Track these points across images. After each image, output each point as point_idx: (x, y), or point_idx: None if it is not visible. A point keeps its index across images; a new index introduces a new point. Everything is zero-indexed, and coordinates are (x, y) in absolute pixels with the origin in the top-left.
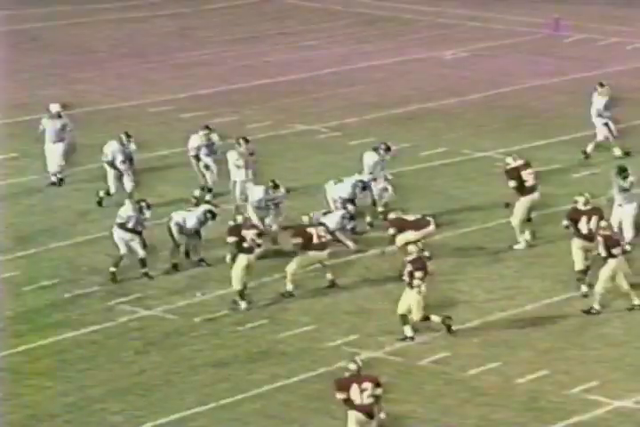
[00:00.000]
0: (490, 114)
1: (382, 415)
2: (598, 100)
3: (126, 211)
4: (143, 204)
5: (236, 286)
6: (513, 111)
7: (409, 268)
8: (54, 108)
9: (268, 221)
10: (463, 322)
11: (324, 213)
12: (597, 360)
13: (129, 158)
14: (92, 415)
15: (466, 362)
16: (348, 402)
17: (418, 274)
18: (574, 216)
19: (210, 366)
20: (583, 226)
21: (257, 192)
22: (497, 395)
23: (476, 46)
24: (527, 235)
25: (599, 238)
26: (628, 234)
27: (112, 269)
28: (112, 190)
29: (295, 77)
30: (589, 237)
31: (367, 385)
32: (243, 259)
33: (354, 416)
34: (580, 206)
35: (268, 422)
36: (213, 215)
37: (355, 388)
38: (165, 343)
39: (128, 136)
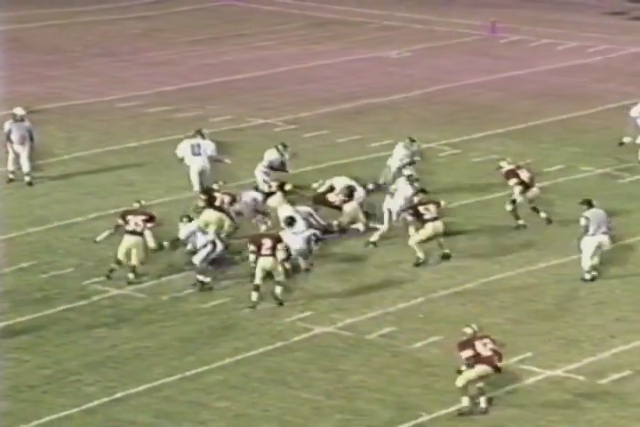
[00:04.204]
0: (432, 108)
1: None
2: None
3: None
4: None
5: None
6: (453, 106)
7: None
8: (19, 111)
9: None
10: (409, 299)
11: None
12: (530, 333)
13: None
14: (68, 386)
15: (411, 336)
16: (476, 357)
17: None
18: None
19: (176, 340)
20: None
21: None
22: (439, 366)
23: (419, 47)
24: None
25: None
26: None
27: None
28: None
29: (252, 75)
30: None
31: (486, 340)
32: (126, 240)
33: (480, 370)
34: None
35: (230, 392)
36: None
37: (478, 343)
38: (135, 320)
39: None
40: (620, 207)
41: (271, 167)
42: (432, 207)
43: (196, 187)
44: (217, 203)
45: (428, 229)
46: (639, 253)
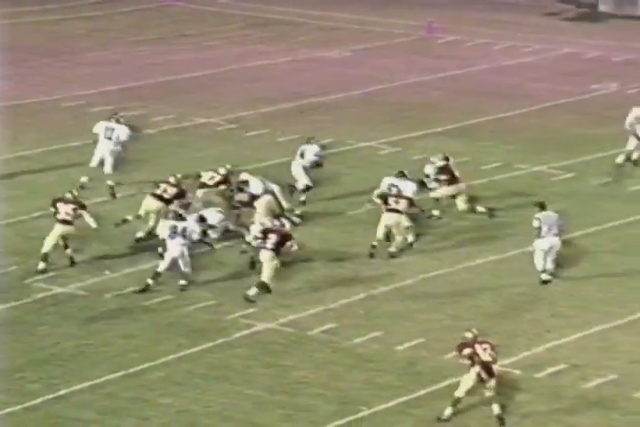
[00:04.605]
0: (372, 108)
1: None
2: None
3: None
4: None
5: (44, 249)
6: (392, 105)
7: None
8: None
9: None
10: (350, 296)
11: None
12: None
13: None
14: (13, 384)
15: (352, 332)
16: (475, 357)
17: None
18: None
19: (119, 337)
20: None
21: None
22: (379, 361)
23: (359, 47)
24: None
25: None
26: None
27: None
28: None
29: (196, 75)
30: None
31: (486, 345)
32: (57, 228)
33: (474, 374)
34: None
35: (173, 389)
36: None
37: (478, 346)
38: (78, 318)
39: None
40: (554, 205)
41: (316, 163)
42: (402, 202)
43: (94, 163)
44: (158, 192)
45: (382, 218)
46: (573, 250)
